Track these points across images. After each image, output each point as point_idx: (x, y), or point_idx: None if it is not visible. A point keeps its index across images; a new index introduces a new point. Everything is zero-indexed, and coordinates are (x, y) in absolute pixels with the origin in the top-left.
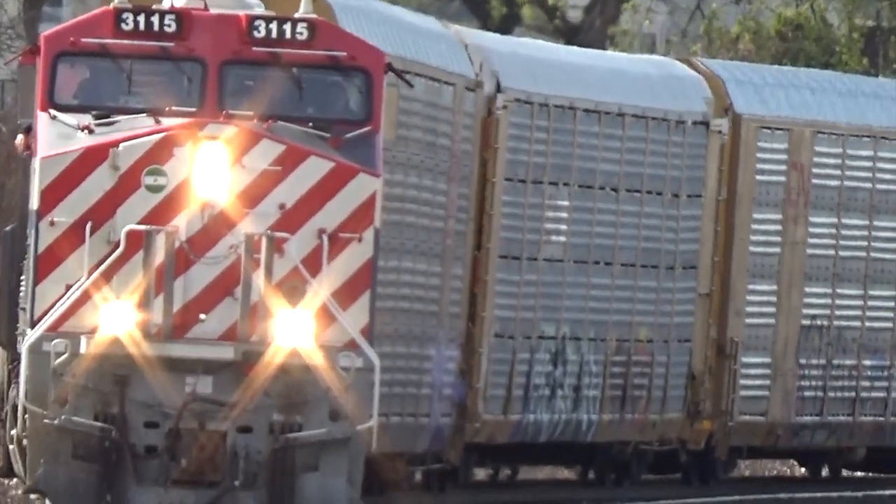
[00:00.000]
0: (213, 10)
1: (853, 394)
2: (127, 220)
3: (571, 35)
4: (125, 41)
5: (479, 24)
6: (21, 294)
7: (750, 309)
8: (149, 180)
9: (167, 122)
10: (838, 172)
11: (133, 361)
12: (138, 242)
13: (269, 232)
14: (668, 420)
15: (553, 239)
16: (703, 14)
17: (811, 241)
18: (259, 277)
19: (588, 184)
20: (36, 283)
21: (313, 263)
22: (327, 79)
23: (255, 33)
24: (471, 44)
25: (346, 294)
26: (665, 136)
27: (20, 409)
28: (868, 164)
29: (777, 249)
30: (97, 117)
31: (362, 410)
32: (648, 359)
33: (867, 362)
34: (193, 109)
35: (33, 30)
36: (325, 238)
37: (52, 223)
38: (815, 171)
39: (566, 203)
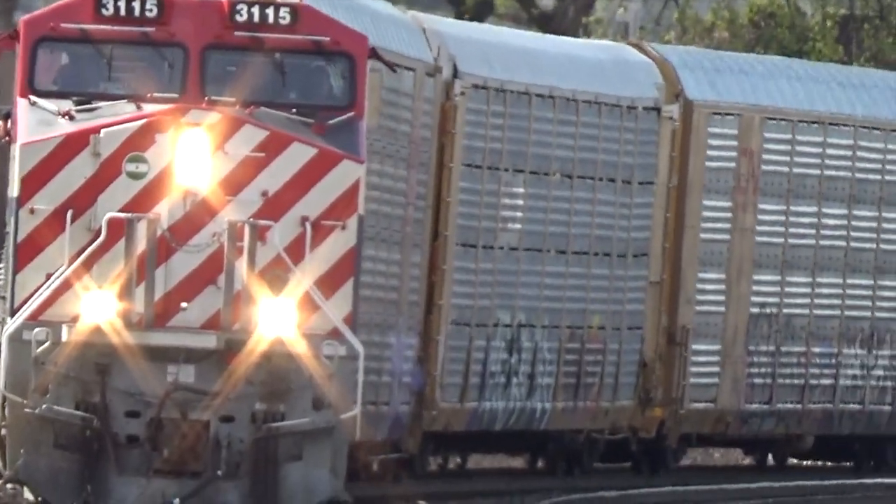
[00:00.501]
0: None
1: (802, 381)
2: (108, 208)
3: (545, 24)
4: (106, 26)
5: (453, 12)
6: (0, 282)
7: (700, 297)
8: (130, 167)
9: (149, 108)
10: (787, 159)
11: (114, 350)
12: (119, 230)
13: (252, 220)
14: (619, 408)
15: (509, 227)
16: (677, 2)
17: (760, 228)
18: (242, 265)
19: (543, 170)
20: (16, 271)
21: (296, 251)
22: (310, 64)
23: (237, 18)
24: (428, 28)
25: (329, 282)
26: (618, 122)
27: None
28: (817, 150)
29: (727, 237)
30: (78, 103)
31: (346, 399)
32: (601, 346)
33: (816, 350)
34: (175, 95)
35: (9, 19)
36: (308, 226)
37: (32, 211)
38: (764, 157)
39: (521, 190)
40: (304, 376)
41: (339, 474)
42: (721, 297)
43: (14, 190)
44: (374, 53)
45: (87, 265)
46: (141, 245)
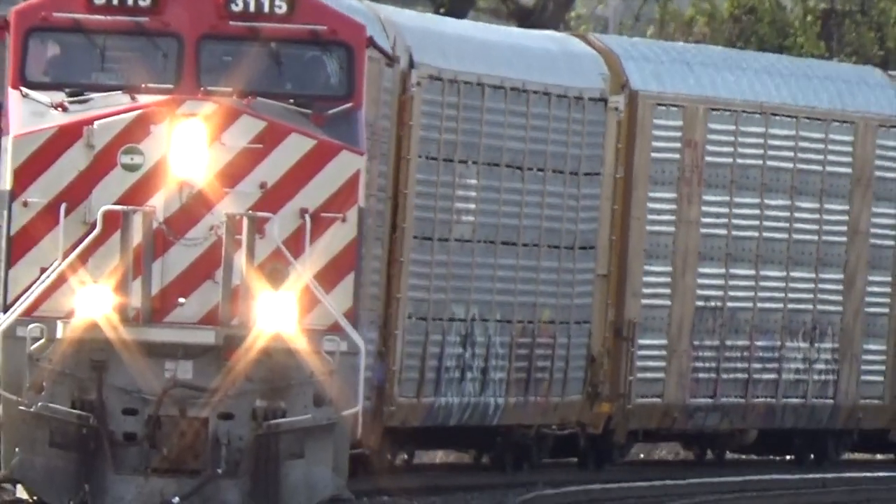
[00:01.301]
0: None
1: (746, 375)
2: (103, 201)
3: (524, 19)
4: (98, 16)
5: (431, 7)
6: None
7: (646, 290)
8: (125, 159)
9: (143, 99)
10: (731, 150)
11: (111, 346)
12: (115, 223)
13: (250, 212)
14: (568, 403)
15: (463, 219)
16: None
17: (705, 220)
18: (240, 259)
19: (495, 161)
20: (9, 266)
21: (295, 244)
22: (307, 54)
23: (233, 7)
24: (385, 18)
25: (329, 276)
26: (566, 112)
27: None
28: (760, 141)
29: (672, 229)
30: (71, 95)
31: (347, 395)
32: (551, 340)
33: (759, 343)
34: (170, 86)
35: None
36: (307, 218)
37: (25, 204)
38: (708, 148)
39: (475, 182)
40: (304, 372)
41: (341, 472)
42: (667, 291)
43: (6, 183)
44: (371, 42)
45: (82, 259)
46: (137, 238)
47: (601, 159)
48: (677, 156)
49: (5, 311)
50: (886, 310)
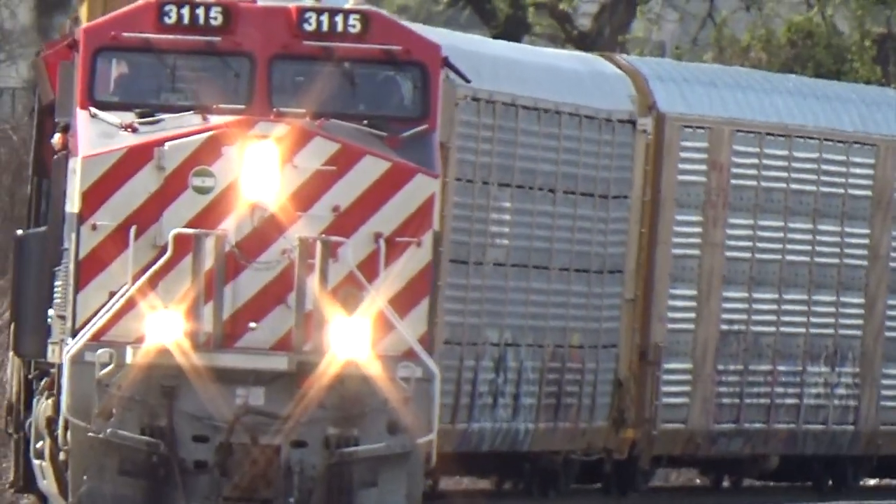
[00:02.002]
0: (261, 3)
1: (768, 400)
2: (173, 224)
3: (581, 43)
4: (169, 35)
5: (488, 32)
6: (56, 301)
7: (671, 314)
8: (196, 181)
9: (215, 120)
10: (755, 172)
11: (181, 372)
12: (186, 247)
13: (323, 236)
14: (595, 428)
15: (497, 242)
16: (714, 22)
17: (729, 243)
18: (313, 284)
19: (528, 184)
20: (77, 290)
21: (369, 269)
22: (381, 74)
23: (306, 26)
24: None
25: (403, 301)
26: (596, 134)
27: (61, 422)
28: (783, 163)
29: (697, 252)
30: (141, 115)
31: (421, 423)
32: (580, 365)
33: (781, 368)
34: (242, 107)
35: (45, 38)
36: (381, 242)
37: (94, 227)
38: (733, 171)
39: (508, 205)
40: (378, 399)
41: (415, 501)
42: (692, 315)
43: (74, 205)
44: (446, 63)
45: (152, 283)
46: (208, 262)
47: (630, 182)
48: (703, 178)
49: (74, 335)
50: None
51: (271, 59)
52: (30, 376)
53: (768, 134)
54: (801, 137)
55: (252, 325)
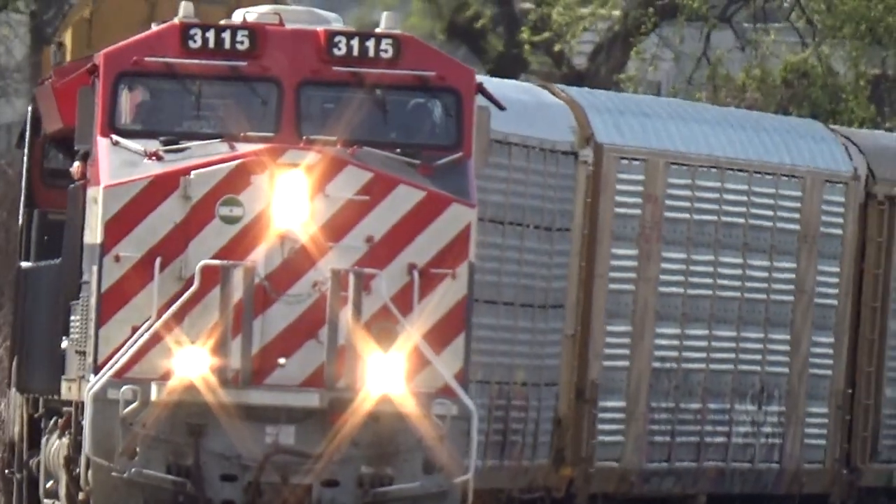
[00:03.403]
0: (289, 26)
1: (698, 439)
2: (200, 255)
3: (577, 82)
4: (193, 60)
5: (483, 69)
6: (74, 336)
7: (607, 350)
8: (224, 211)
9: (242, 148)
10: (688, 205)
11: (209, 409)
12: (214, 279)
13: (357, 268)
14: (537, 466)
15: None
16: (709, 61)
17: (663, 277)
18: (346, 317)
19: (479, 216)
20: (99, 324)
21: (404, 302)
22: (414, 100)
23: (335, 51)
24: None
25: (438, 335)
26: (542, 166)
27: (83, 461)
28: (715, 195)
29: (632, 287)
30: (165, 143)
31: (458, 462)
32: (524, 403)
33: (711, 406)
34: (270, 134)
35: (40, 73)
36: (415, 274)
37: (117, 258)
38: (667, 203)
39: None
40: (413, 437)
41: None
42: (626, 351)
43: (97, 236)
44: (481, 89)
45: (178, 317)
46: (237, 295)
47: (571, 214)
48: (639, 211)
49: (96, 372)
50: (829, 371)
51: (299, 85)
52: (36, 414)
53: (700, 166)
54: (732, 170)
55: (281, 360)
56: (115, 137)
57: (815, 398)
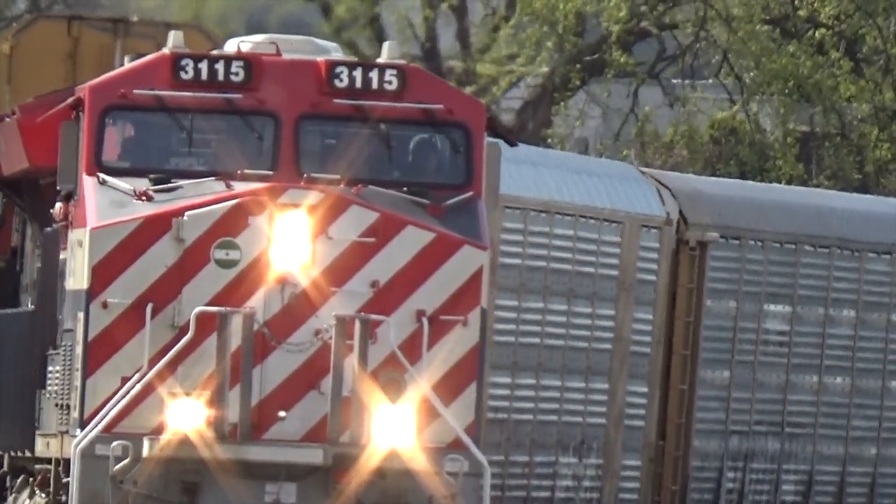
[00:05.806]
0: (287, 56)
1: (525, 493)
2: (194, 301)
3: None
4: (185, 92)
5: None
6: (52, 388)
7: None
8: (219, 254)
9: (239, 186)
10: (520, 251)
11: (204, 466)
12: (210, 326)
13: (362, 314)
14: None
15: None
16: (637, 118)
17: (497, 326)
18: (351, 366)
19: None
20: (86, 375)
21: (411, 351)
22: (421, 136)
23: (337, 82)
24: None
25: (449, 386)
26: None
27: None
28: (545, 240)
29: None
30: (155, 182)
31: None
32: None
33: (538, 459)
34: (268, 172)
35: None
36: (425, 321)
37: (104, 305)
38: (502, 248)
39: None
40: (423, 495)
41: None
42: None
43: (83, 281)
44: (491, 123)
45: (171, 367)
46: (234, 344)
47: None
48: None
49: (82, 426)
50: (643, 423)
51: (298, 119)
52: (1, 470)
53: (532, 210)
54: (560, 214)
55: (281, 413)
56: (101, 176)
57: (630, 450)
